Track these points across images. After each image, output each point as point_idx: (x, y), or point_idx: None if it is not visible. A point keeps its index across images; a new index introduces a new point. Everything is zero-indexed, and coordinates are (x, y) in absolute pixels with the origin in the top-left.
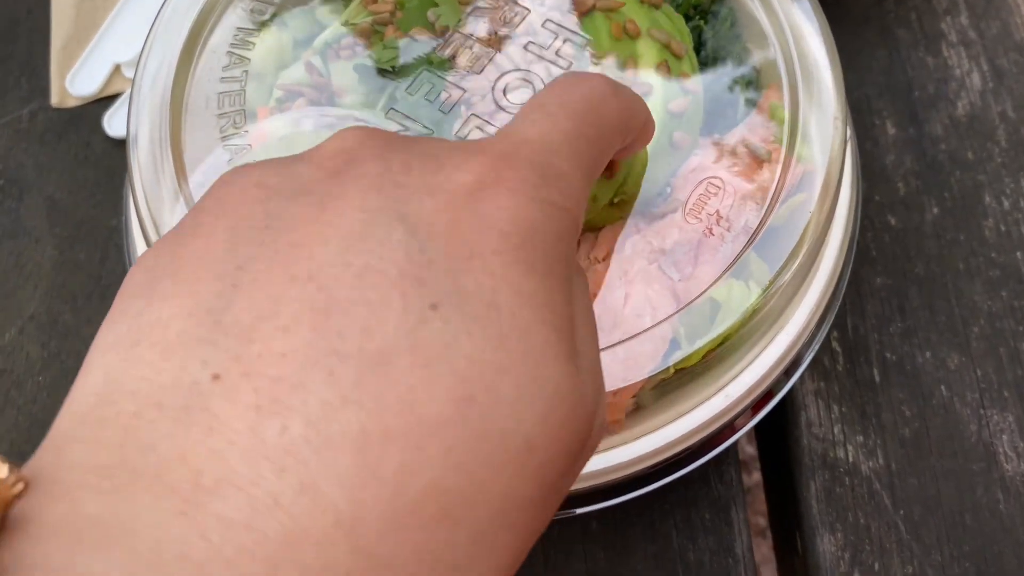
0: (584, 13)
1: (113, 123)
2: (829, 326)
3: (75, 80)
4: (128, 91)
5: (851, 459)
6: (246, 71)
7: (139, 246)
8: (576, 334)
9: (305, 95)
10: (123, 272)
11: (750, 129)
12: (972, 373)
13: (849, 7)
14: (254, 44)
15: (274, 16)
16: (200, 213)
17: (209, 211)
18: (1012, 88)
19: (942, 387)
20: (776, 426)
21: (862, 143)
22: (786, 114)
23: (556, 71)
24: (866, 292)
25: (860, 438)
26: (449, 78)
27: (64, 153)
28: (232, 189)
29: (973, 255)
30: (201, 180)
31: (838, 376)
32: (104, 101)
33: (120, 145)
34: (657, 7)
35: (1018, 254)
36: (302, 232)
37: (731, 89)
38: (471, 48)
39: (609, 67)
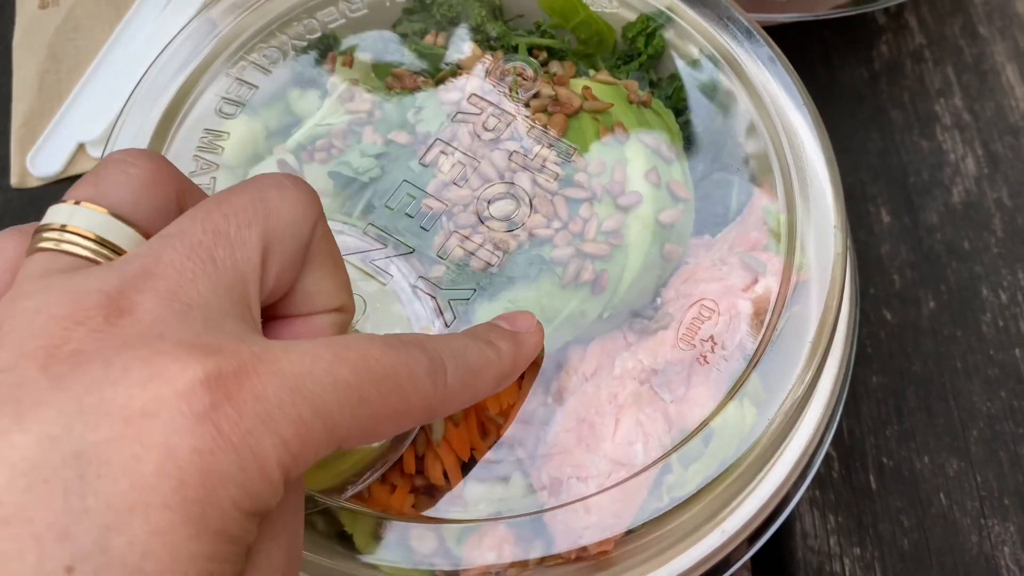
0: (571, 115)
1: None
2: (828, 444)
3: (36, 159)
4: None
5: (848, 573)
6: (214, 177)
7: None
8: None
9: None
10: None
11: (742, 230)
12: (972, 480)
13: (842, 86)
14: (222, 148)
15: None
16: None
17: None
18: (1007, 174)
19: (941, 495)
20: (770, 537)
21: (856, 232)
22: (782, 219)
23: (542, 181)
24: (862, 393)
25: (857, 550)
26: (430, 189)
27: None
28: None
29: (971, 352)
30: None
31: (833, 483)
32: (67, 182)
33: None
34: (646, 105)
35: (1016, 351)
36: None
37: (722, 186)
38: (453, 155)
39: (596, 175)
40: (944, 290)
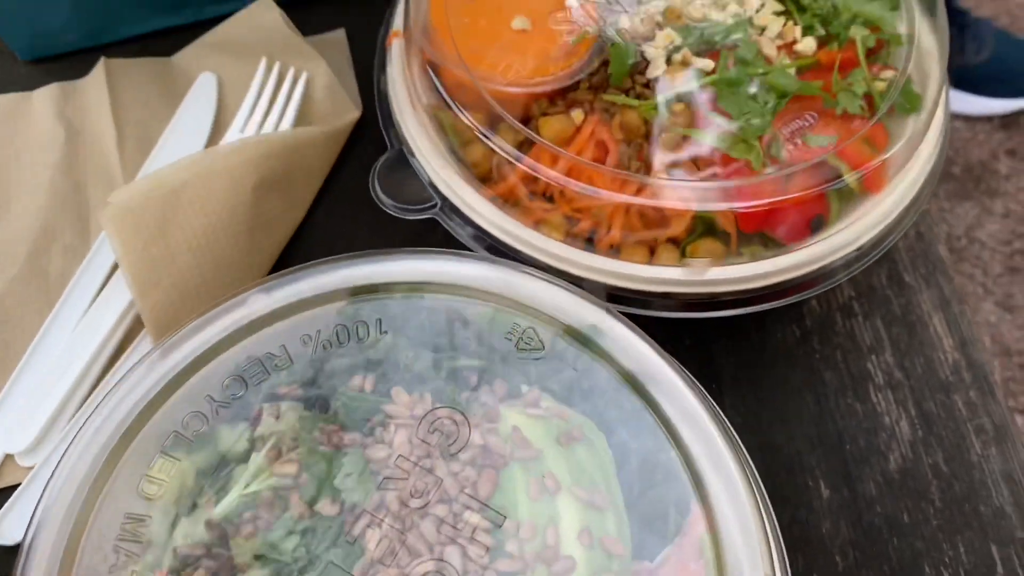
0: (500, 468)
1: (3, 528)
2: None
3: None
4: (24, 483)
5: None
6: (135, 571)
7: None
8: None
9: (203, 567)
10: None
11: (680, 559)
12: None
13: (774, 348)
14: (144, 537)
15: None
16: None
17: None
18: (941, 435)
19: None
20: None
21: (797, 510)
22: (715, 547)
23: (473, 553)
24: None
25: None
26: (356, 572)
27: None
28: None
29: None
30: None
31: None
32: None
33: (12, 552)
34: (578, 440)
35: None
36: None
37: (657, 503)
38: (380, 527)
39: (528, 540)
40: (887, 571)
